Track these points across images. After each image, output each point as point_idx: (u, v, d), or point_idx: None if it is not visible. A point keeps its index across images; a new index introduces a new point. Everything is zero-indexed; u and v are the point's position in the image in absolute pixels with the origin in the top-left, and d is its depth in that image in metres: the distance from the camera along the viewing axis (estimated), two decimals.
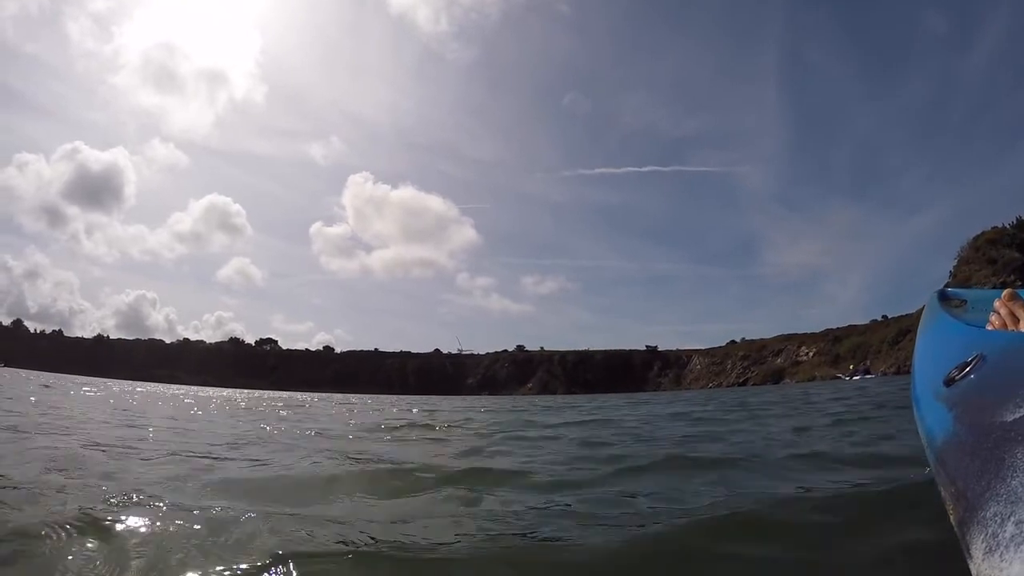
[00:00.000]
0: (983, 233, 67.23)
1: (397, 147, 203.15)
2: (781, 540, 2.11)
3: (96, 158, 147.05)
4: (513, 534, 2.33)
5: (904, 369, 60.36)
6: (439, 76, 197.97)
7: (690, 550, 2.05)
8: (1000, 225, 68.50)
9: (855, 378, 49.76)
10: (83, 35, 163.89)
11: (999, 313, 1.17)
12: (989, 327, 1.18)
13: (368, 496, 3.09)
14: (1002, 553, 0.49)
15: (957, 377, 0.83)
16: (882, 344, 66.92)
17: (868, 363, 64.29)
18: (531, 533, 2.33)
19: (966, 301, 1.52)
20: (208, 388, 45.34)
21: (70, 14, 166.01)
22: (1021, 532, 0.49)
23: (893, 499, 2.55)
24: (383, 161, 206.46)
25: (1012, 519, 0.50)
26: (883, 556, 1.90)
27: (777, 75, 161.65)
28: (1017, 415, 0.61)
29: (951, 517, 0.63)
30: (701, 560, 2.00)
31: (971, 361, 0.82)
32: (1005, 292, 1.19)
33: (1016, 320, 1.12)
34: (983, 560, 0.52)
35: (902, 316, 68.63)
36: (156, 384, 48.94)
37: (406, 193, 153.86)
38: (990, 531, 0.52)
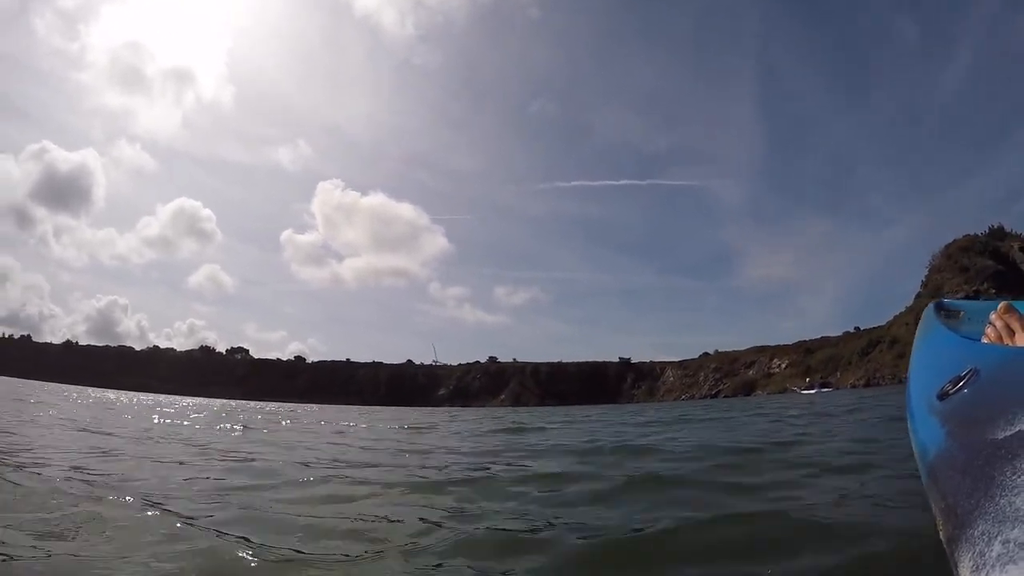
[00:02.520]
0: (955, 241, 67.84)
1: (366, 153, 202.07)
2: None
3: (64, 158, 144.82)
4: None
5: (873, 381, 60.90)
6: (408, 82, 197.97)
7: None
8: (972, 233, 69.20)
9: (811, 391, 50.01)
10: (50, 31, 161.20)
11: (995, 326, 1.15)
12: (985, 340, 1.16)
13: None
14: (988, 572, 0.49)
15: (951, 391, 0.83)
16: (852, 356, 67.49)
17: (838, 375, 64.81)
18: None
19: (962, 312, 1.51)
20: (152, 395, 43.48)
21: (36, 10, 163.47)
22: (1008, 552, 0.48)
23: None
24: (352, 167, 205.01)
25: (999, 538, 0.50)
26: None
27: (751, 90, 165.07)
28: (1008, 432, 0.60)
29: (940, 534, 0.62)
30: None
31: (965, 375, 0.82)
32: (1001, 305, 1.17)
33: (1012, 333, 1.11)
34: None
35: (873, 328, 69.30)
36: (119, 392, 47.00)
37: (376, 200, 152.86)
38: (978, 550, 0.52)
